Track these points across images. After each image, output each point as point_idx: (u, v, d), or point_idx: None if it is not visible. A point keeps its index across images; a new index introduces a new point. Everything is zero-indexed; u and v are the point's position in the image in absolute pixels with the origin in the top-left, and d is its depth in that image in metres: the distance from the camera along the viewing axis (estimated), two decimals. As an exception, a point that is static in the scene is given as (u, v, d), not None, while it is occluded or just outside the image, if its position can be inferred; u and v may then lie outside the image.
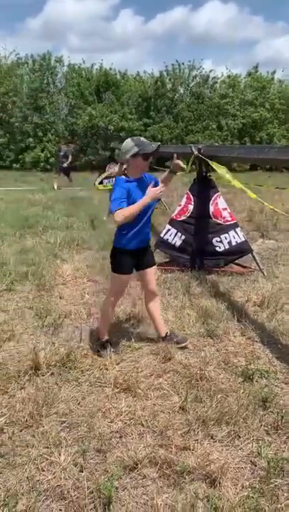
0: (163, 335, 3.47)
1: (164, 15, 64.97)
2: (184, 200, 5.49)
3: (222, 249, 5.34)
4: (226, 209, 5.41)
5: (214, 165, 4.92)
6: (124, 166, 3.30)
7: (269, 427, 2.47)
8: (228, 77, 25.84)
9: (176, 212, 5.52)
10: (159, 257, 5.59)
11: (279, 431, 2.43)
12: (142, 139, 3.10)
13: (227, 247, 5.33)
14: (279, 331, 3.70)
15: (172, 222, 5.47)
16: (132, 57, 48.49)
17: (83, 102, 25.53)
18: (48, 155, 23.39)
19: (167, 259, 5.55)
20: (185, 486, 2.05)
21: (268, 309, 4.17)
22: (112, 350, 3.31)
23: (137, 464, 2.17)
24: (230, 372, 3.06)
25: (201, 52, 68.19)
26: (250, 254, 5.35)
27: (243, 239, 5.34)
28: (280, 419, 2.48)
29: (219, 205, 5.41)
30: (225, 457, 2.23)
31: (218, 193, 5.45)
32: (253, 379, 2.95)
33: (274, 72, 25.88)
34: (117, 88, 26.07)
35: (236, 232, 5.34)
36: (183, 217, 5.45)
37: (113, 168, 14.20)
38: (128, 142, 3.06)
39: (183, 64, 26.06)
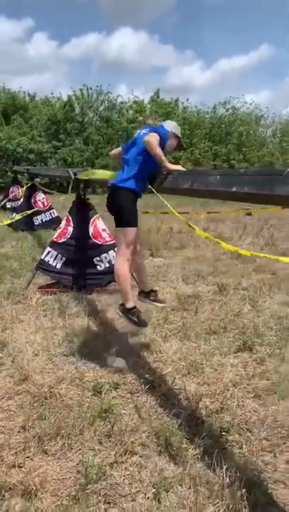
0: (147, 290, 3.66)
1: (79, 39, 66.10)
2: (64, 222, 5.61)
3: (102, 267, 5.52)
4: (105, 230, 5.61)
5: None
6: None
7: (102, 436, 2.60)
8: (135, 102, 26.86)
9: (56, 234, 5.61)
10: (41, 279, 5.64)
11: (111, 438, 2.57)
12: None
13: (107, 265, 5.51)
14: (140, 344, 3.90)
15: (52, 245, 5.55)
16: (48, 80, 48.71)
17: (-10, 124, 25.02)
18: None
19: (49, 282, 5.60)
20: (3, 504, 2.10)
21: (136, 324, 4.38)
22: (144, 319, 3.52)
23: None
24: (81, 388, 3.17)
25: (115, 77, 70.03)
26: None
27: (121, 258, 5.55)
28: (112, 427, 2.62)
29: (98, 226, 5.60)
30: (51, 470, 2.32)
31: (97, 215, 5.64)
32: (102, 392, 3.09)
33: (177, 99, 27.38)
34: (25, 111, 25.93)
35: (116, 252, 5.54)
36: (63, 239, 5.55)
37: (16, 192, 14.00)
38: None
39: (91, 89, 26.71)
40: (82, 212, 5.59)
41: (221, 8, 72.25)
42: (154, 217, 10.51)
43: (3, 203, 14.15)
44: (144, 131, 3.43)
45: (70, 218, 5.58)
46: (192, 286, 5.77)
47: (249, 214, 12.07)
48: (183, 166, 3.43)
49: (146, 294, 3.78)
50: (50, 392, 3.05)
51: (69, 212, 5.63)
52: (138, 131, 3.56)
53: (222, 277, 6.12)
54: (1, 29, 59.52)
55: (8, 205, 13.96)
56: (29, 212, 9.17)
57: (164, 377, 3.30)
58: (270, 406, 2.87)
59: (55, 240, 5.57)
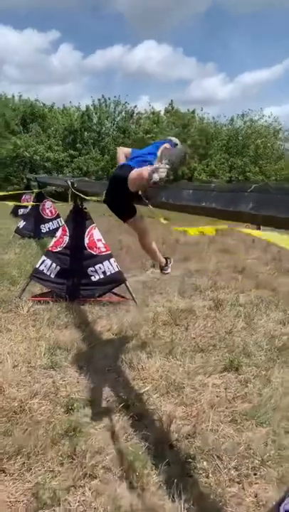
0: (164, 262, 3.97)
1: (103, 51, 67.30)
2: (60, 231, 5.57)
3: (97, 278, 5.44)
4: (100, 240, 5.55)
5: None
6: None
7: (65, 456, 2.49)
8: (153, 113, 27.00)
9: (51, 243, 5.57)
10: (37, 287, 5.59)
11: (74, 460, 2.47)
12: None
13: (102, 276, 5.44)
14: (123, 359, 3.79)
15: (48, 254, 5.50)
16: (72, 90, 49.65)
17: (9, 131, 25.47)
18: None
19: (45, 290, 5.54)
20: None
21: (125, 337, 4.28)
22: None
23: None
24: (54, 403, 3.07)
25: (138, 89, 70.45)
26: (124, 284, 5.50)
27: (116, 269, 5.48)
28: (74, 448, 2.52)
29: (94, 236, 5.54)
30: (6, 491, 2.22)
31: (94, 225, 5.59)
32: (74, 409, 2.99)
33: (194, 110, 27.41)
34: (43, 120, 26.32)
35: (110, 263, 5.47)
36: (59, 249, 5.50)
37: (28, 199, 14.08)
38: None
39: (109, 99, 26.99)
40: (78, 222, 5.54)
41: (244, 21, 72.45)
42: (162, 227, 10.41)
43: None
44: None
45: (67, 227, 5.54)
46: (188, 301, 5.64)
47: (258, 228, 11.84)
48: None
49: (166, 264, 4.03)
50: (21, 406, 2.96)
51: (65, 221, 5.60)
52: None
53: (220, 292, 5.98)
54: (29, 41, 60.93)
55: (20, 212, 14.10)
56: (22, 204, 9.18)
57: (141, 395, 3.18)
58: (245, 432, 2.73)
59: (50, 248, 5.53)
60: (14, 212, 14.25)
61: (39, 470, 2.39)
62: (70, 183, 5.53)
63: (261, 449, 2.55)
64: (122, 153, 3.62)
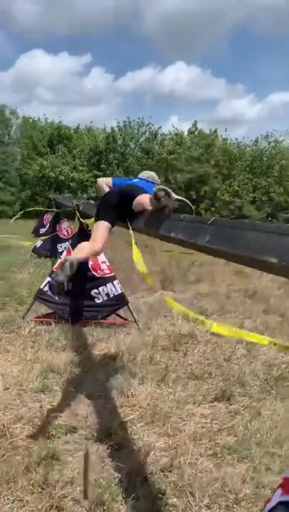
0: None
1: (134, 73, 69.16)
2: (65, 253, 5.64)
3: (100, 300, 5.46)
4: (104, 262, 5.58)
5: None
6: None
7: (37, 485, 2.47)
8: (176, 134, 27.27)
9: (56, 264, 5.63)
10: (43, 308, 5.65)
11: (44, 490, 2.44)
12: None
13: (105, 298, 5.46)
14: (114, 385, 3.75)
15: (52, 275, 5.56)
16: (103, 111, 51.19)
17: (36, 153, 26.22)
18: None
19: (48, 312, 5.59)
20: None
21: (120, 362, 4.25)
22: None
23: None
24: (37, 429, 3.06)
25: (167, 110, 71.19)
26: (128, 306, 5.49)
27: (119, 291, 5.48)
28: (45, 477, 2.49)
29: (98, 258, 5.57)
30: None
31: (99, 247, 5.62)
32: (56, 435, 2.96)
33: (216, 130, 27.50)
34: (69, 141, 26.99)
35: (114, 285, 5.49)
36: (63, 270, 5.55)
37: (49, 218, 14.35)
38: None
39: (134, 120, 27.48)
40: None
41: (273, 42, 72.96)
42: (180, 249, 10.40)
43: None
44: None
45: (72, 249, 5.59)
46: (192, 325, 5.53)
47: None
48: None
49: None
50: (2, 431, 2.96)
51: (70, 243, 5.67)
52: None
53: (227, 316, 5.88)
54: (63, 64, 63.38)
55: (42, 231, 14.35)
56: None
57: (125, 424, 3.13)
58: (224, 467, 2.63)
59: (55, 270, 5.58)
60: (36, 231, 14.55)
61: (8, 499, 2.37)
62: (75, 205, 5.63)
63: (238, 487, 2.45)
64: (104, 183, 3.81)
